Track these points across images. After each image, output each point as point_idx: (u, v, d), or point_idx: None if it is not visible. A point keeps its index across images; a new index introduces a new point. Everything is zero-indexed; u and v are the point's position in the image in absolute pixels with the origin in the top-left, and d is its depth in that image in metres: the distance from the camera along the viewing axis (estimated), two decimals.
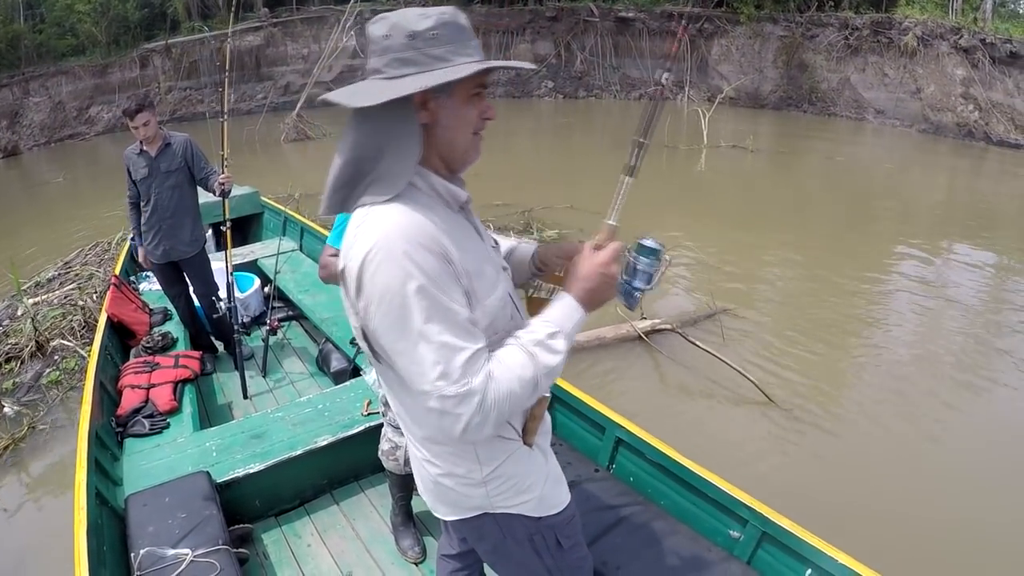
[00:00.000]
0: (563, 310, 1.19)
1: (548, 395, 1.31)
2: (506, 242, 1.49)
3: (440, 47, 1.08)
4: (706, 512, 2.30)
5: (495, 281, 1.20)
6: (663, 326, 4.97)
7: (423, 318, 1.03)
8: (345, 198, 1.15)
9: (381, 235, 1.05)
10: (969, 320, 5.63)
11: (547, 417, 1.45)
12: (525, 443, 1.29)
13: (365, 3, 18.69)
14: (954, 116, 14.56)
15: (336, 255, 2.04)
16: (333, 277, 2.09)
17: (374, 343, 1.13)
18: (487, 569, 1.89)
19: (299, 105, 14.73)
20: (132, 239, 5.41)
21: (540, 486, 1.32)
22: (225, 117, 3.91)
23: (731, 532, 2.21)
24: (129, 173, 3.71)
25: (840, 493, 3.47)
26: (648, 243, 1.28)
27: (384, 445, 2.41)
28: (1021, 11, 18.52)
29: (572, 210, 7.99)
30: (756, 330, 5.25)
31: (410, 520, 2.63)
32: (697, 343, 4.62)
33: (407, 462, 2.36)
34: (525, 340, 1.14)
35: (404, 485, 2.51)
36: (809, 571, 2.00)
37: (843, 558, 1.91)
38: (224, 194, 3.74)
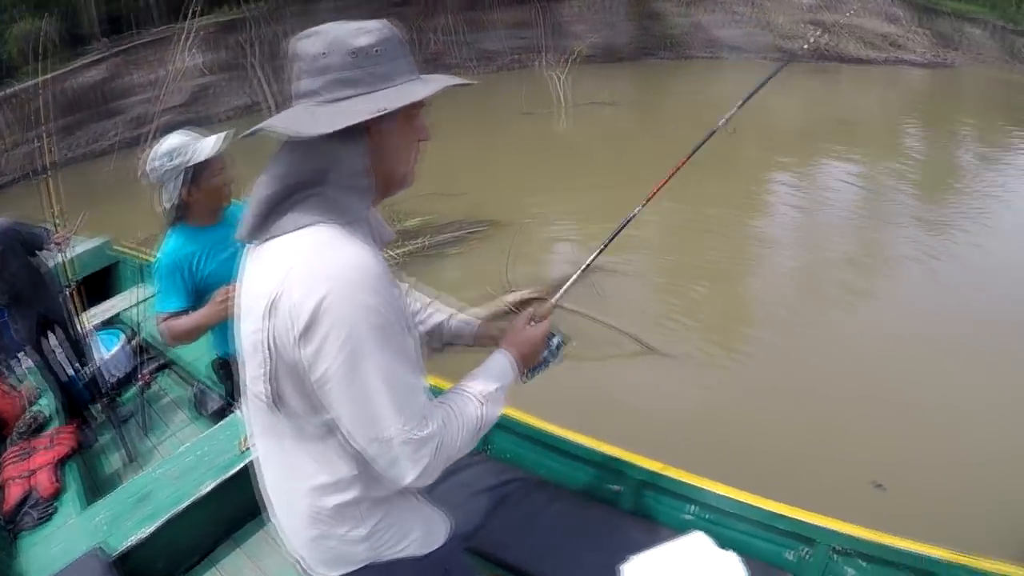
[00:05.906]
0: (504, 368, 1.24)
1: None
2: (438, 311, 1.58)
3: (384, 65, 1.01)
4: (584, 473, 2.38)
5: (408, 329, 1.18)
6: (533, 296, 4.89)
7: (388, 360, 0.98)
8: (270, 220, 1.04)
9: (342, 271, 0.96)
10: (841, 234, 5.84)
11: None
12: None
13: (208, 17, 17.57)
14: (804, 42, 15.24)
15: (171, 317, 2.14)
16: (182, 337, 2.14)
17: (313, 388, 1.02)
18: None
19: (151, 136, 13.75)
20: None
21: (420, 525, 1.28)
22: (48, 173, 3.77)
23: (612, 487, 2.30)
24: None
25: (724, 429, 3.58)
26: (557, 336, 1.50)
27: None
28: None
29: (433, 196, 7.56)
30: (633, 282, 5.25)
31: None
32: (565, 305, 4.55)
33: None
34: (475, 392, 1.15)
35: None
36: (693, 507, 2.11)
37: (724, 490, 2.04)
38: (61, 250, 3.67)
